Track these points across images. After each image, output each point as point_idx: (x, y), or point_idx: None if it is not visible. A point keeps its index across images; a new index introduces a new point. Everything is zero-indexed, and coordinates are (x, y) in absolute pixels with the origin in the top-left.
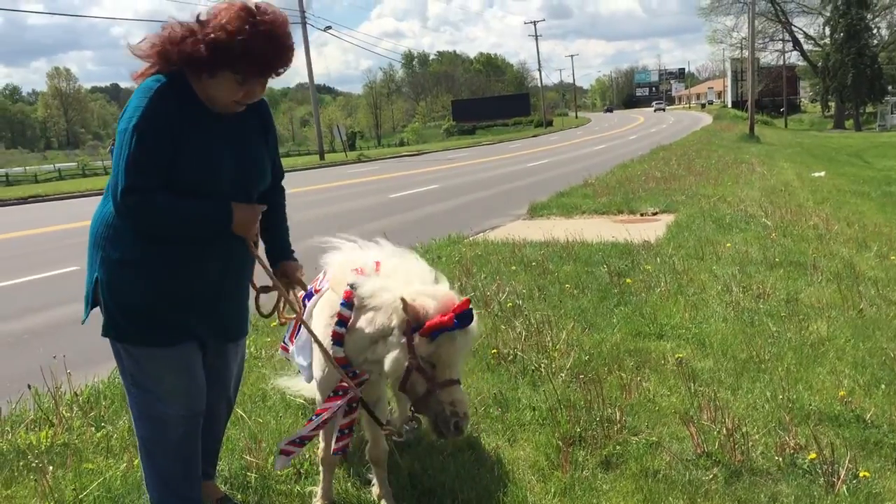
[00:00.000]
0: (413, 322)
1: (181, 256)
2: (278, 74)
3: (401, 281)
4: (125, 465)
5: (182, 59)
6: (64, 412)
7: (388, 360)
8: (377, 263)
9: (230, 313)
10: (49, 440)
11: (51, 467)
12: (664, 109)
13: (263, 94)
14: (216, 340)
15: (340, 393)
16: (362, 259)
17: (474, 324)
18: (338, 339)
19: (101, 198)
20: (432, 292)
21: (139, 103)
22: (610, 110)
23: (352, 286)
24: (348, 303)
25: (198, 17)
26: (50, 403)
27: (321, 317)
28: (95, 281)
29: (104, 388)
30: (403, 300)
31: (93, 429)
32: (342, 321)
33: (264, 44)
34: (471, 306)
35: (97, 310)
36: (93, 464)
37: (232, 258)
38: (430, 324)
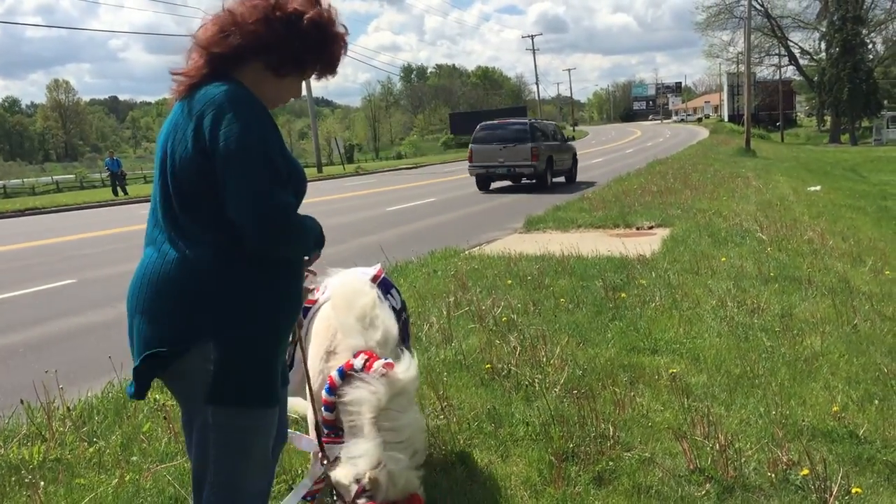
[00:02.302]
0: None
1: (284, 288)
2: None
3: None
4: (116, 480)
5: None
6: (57, 427)
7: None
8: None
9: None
10: (41, 455)
11: (42, 483)
12: (685, 121)
13: None
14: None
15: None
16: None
17: None
18: (328, 405)
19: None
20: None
21: (249, 113)
22: (576, 123)
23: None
24: (342, 373)
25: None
26: (43, 418)
27: (318, 338)
28: (206, 345)
29: (97, 403)
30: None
31: (85, 444)
32: (331, 389)
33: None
34: None
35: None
36: (85, 479)
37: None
38: None
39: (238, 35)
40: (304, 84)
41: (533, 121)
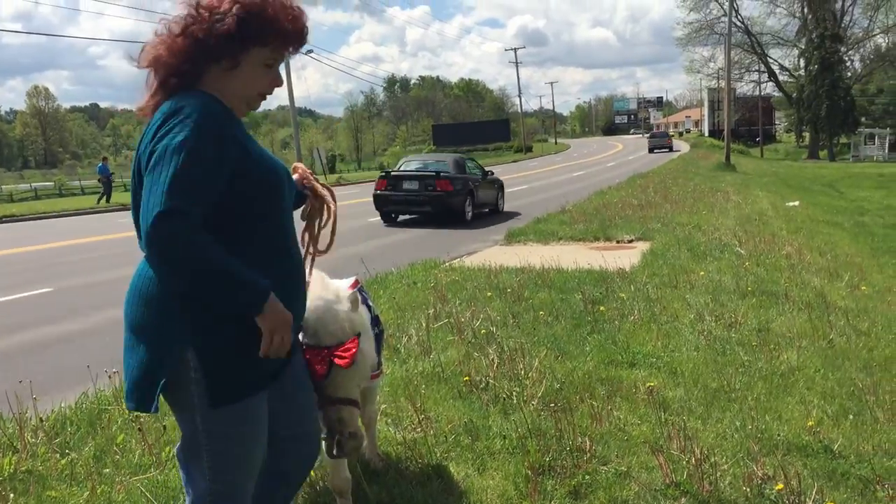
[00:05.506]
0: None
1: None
2: (294, 50)
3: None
4: (88, 492)
5: (198, 50)
6: (28, 438)
7: None
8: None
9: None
10: (12, 467)
11: (13, 495)
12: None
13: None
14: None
15: None
16: None
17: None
18: None
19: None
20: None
21: (184, 120)
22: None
23: None
24: None
25: (196, 5)
26: (14, 429)
27: None
28: (185, 356)
29: (71, 414)
30: None
31: (57, 455)
32: None
33: (284, 9)
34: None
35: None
36: (56, 491)
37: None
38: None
39: (181, 52)
40: (285, 91)
41: (667, 132)
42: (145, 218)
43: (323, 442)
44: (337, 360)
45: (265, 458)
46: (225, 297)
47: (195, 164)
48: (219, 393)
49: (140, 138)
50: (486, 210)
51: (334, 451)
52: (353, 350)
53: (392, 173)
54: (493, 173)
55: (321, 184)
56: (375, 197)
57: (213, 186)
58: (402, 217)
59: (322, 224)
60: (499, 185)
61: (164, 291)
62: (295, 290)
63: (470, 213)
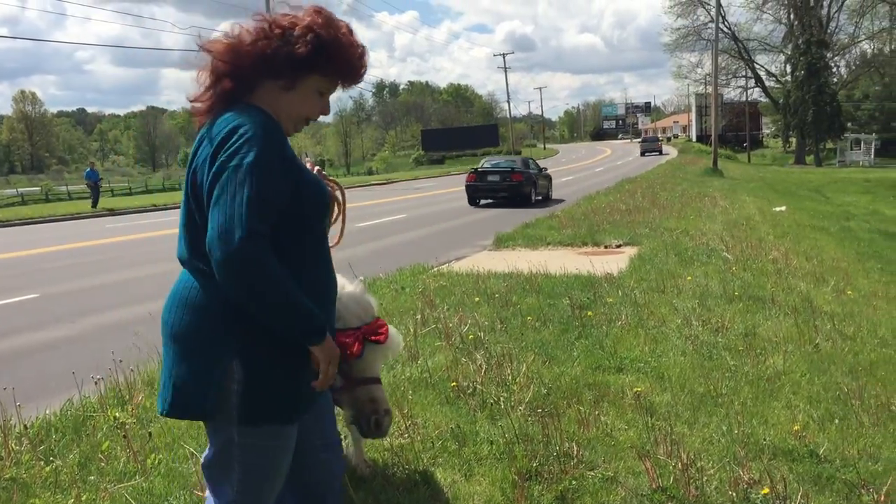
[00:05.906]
0: None
1: (318, 282)
2: (347, 87)
3: None
4: (73, 500)
5: (261, 63)
6: (13, 445)
7: None
8: None
9: None
10: None
11: None
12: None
13: None
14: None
15: None
16: None
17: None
18: None
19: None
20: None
21: (251, 139)
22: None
23: None
24: None
25: (270, 23)
26: None
27: None
28: (230, 366)
29: (55, 421)
30: None
31: (42, 463)
32: None
33: (352, 46)
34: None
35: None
36: (40, 499)
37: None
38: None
39: (246, 59)
40: None
41: (657, 137)
42: (223, 238)
43: (351, 427)
44: (375, 338)
45: (298, 478)
46: (293, 323)
47: (267, 184)
48: (257, 410)
49: (196, 147)
50: (540, 197)
51: (373, 431)
52: (386, 326)
53: (479, 170)
54: (546, 169)
55: (330, 179)
56: (468, 187)
57: (280, 206)
58: (483, 201)
59: (332, 219)
60: (549, 179)
61: (210, 300)
62: (333, 298)
63: (533, 198)
